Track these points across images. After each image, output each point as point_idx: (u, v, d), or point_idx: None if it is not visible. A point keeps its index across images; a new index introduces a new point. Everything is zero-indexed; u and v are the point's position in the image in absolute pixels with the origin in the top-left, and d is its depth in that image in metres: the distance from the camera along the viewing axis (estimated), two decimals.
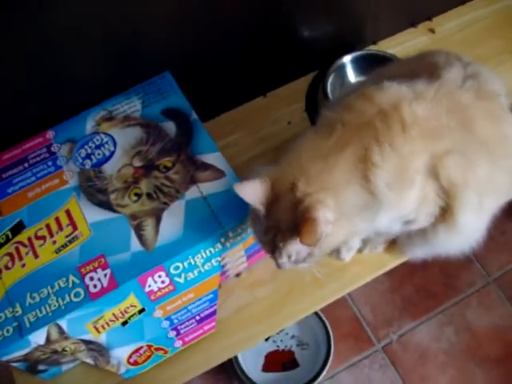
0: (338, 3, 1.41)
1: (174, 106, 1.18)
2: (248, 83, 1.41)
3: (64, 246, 1.04)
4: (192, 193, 1.07)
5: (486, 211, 1.04)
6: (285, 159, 0.93)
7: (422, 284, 1.88)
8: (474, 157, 0.97)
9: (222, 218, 1.04)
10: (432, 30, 1.60)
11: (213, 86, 1.35)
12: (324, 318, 1.71)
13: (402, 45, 1.57)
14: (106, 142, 1.14)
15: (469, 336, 1.81)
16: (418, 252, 1.14)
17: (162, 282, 1.02)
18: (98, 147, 1.14)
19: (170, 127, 1.15)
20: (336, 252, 1.20)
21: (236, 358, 1.64)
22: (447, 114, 0.93)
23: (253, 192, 0.89)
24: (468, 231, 1.03)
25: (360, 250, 1.22)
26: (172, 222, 1.04)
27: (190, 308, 1.08)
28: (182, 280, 1.04)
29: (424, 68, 1.03)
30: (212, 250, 1.04)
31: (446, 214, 0.99)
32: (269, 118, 1.41)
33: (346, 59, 1.44)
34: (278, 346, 1.77)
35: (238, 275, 1.22)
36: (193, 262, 1.04)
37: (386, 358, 1.80)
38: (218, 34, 1.27)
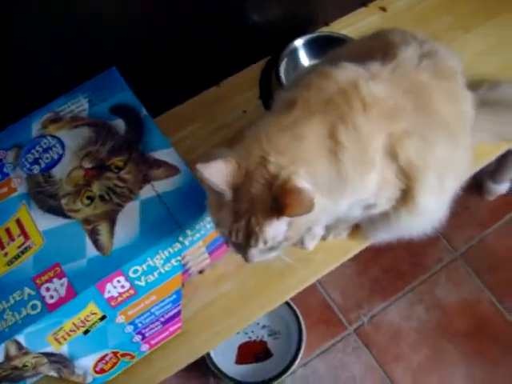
0: None
1: (123, 102, 1.14)
2: (200, 73, 1.38)
3: (16, 257, 0.99)
4: (146, 192, 1.04)
5: (446, 191, 1.03)
6: (248, 139, 0.88)
7: (389, 264, 1.88)
8: (432, 137, 0.96)
9: (178, 217, 1.01)
10: (383, 9, 1.58)
11: (163, 78, 1.32)
12: (294, 306, 1.70)
13: (353, 25, 1.55)
14: (54, 145, 1.09)
15: (439, 313, 1.81)
16: (382, 236, 1.13)
17: (122, 287, 0.99)
18: (45, 151, 1.09)
19: (120, 125, 1.11)
20: (299, 241, 1.18)
21: (208, 353, 1.61)
22: (404, 94, 0.92)
23: (218, 173, 0.82)
24: (430, 212, 1.02)
25: (324, 238, 1.20)
26: (127, 224, 1.01)
27: (153, 311, 1.05)
28: (142, 283, 1.01)
29: (379, 48, 1.01)
30: (171, 249, 1.01)
31: (406, 196, 0.97)
32: (223, 108, 1.38)
33: (298, 43, 1.41)
34: (249, 337, 1.75)
35: (201, 272, 1.19)
36: (152, 264, 1.00)
37: (359, 340, 1.79)
38: (164, 24, 1.23)
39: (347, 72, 0.90)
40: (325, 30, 1.52)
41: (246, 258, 0.89)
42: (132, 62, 1.23)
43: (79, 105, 1.14)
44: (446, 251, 1.92)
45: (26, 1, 1.02)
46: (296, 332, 1.69)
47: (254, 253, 0.88)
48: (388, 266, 1.87)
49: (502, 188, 1.93)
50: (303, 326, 1.68)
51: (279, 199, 0.79)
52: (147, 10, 1.19)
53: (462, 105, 1.04)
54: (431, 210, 1.02)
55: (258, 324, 1.76)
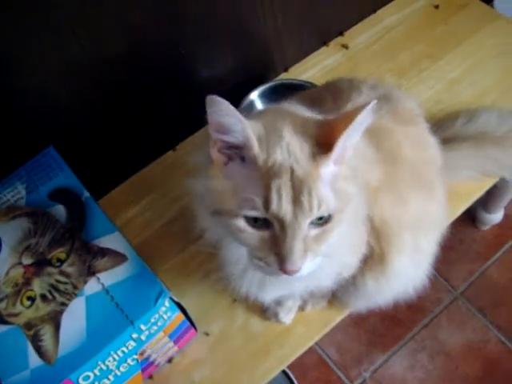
0: (237, 37, 1.29)
1: (62, 185, 1.04)
2: (153, 139, 1.27)
3: None
4: (91, 286, 0.93)
5: (423, 251, 0.93)
6: None
7: (385, 312, 1.73)
8: (405, 190, 0.86)
9: (129, 311, 0.90)
10: (345, 46, 1.49)
11: (112, 149, 1.22)
12: (287, 370, 1.57)
13: (315, 67, 1.46)
14: None
15: (444, 358, 1.69)
16: (358, 304, 1.02)
17: None
18: None
19: (60, 211, 1.00)
20: (274, 315, 1.07)
21: None
22: (369, 140, 0.82)
23: (237, 116, 0.64)
24: (405, 276, 0.92)
25: (302, 309, 1.09)
26: (73, 326, 0.90)
27: None
28: None
29: (329, 94, 0.93)
30: (124, 349, 0.90)
31: (376, 257, 0.87)
32: (181, 173, 1.28)
33: (254, 95, 1.32)
34: None
35: (169, 360, 1.07)
36: (105, 368, 0.89)
37: None
38: (108, 93, 1.14)
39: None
40: (284, 77, 1.43)
41: (293, 248, 0.65)
42: (74, 137, 1.14)
43: (16, 193, 1.04)
44: (445, 291, 1.80)
45: None
46: None
47: (305, 237, 0.67)
48: (385, 314, 1.73)
49: (496, 217, 1.82)
50: None
51: (323, 132, 0.67)
52: (91, 79, 1.10)
53: (430, 150, 0.96)
54: (407, 272, 0.92)
55: None
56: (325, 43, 1.50)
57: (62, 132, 1.12)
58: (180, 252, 1.18)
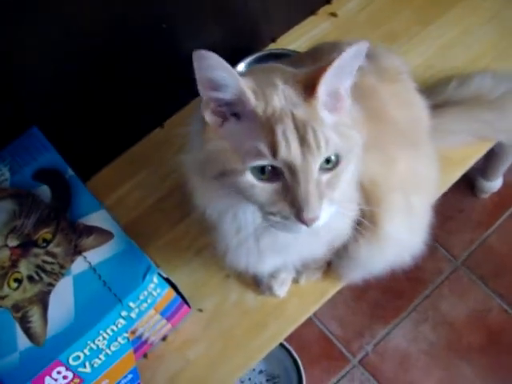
0: (222, 10, 1.26)
1: (47, 166, 1.01)
2: (140, 116, 1.25)
3: None
4: (78, 265, 0.91)
5: (417, 212, 0.91)
6: None
7: (385, 284, 1.71)
8: (392, 149, 0.83)
9: (117, 289, 0.88)
10: (334, 14, 1.45)
11: (97, 129, 1.19)
12: (288, 346, 1.55)
13: (304, 36, 1.42)
14: None
15: (447, 329, 1.67)
16: (353, 274, 1.00)
17: (65, 378, 0.87)
18: None
19: (45, 192, 0.99)
20: (268, 288, 1.05)
21: None
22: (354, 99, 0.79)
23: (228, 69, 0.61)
24: (400, 240, 0.90)
25: (297, 281, 1.07)
26: (61, 306, 0.88)
27: None
28: (88, 369, 0.89)
29: (309, 57, 0.91)
30: (114, 327, 0.88)
31: (367, 222, 0.84)
32: (170, 150, 1.25)
33: (240, 67, 1.28)
34: None
35: (164, 339, 1.06)
36: (95, 347, 0.88)
37: (366, 372, 1.65)
38: (90, 70, 1.11)
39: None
40: (272, 48, 1.39)
41: (308, 193, 0.62)
42: (59, 116, 1.12)
43: (0, 174, 1.01)
44: (446, 261, 1.77)
45: None
46: (295, 373, 1.55)
47: (318, 177, 0.64)
48: (385, 287, 1.73)
49: (495, 184, 1.79)
50: (301, 367, 1.54)
51: (309, 77, 0.65)
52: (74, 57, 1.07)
53: (416, 110, 0.94)
54: (401, 237, 0.90)
55: (254, 370, 1.62)
56: (312, 12, 1.46)
57: (47, 112, 1.09)
58: (172, 229, 1.16)
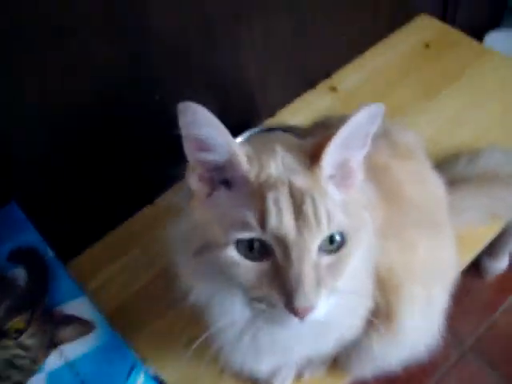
0: (215, 80, 1.20)
1: (24, 245, 0.92)
2: (129, 192, 1.16)
3: None
4: (54, 360, 0.80)
5: (435, 303, 0.82)
6: None
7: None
8: (411, 234, 0.76)
9: None
10: (334, 89, 1.40)
11: (82, 204, 1.11)
12: None
13: (302, 110, 1.37)
14: None
15: None
16: (362, 369, 0.90)
17: None
18: None
19: (20, 274, 0.89)
20: None
21: None
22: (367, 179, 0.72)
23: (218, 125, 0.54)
24: (414, 335, 0.81)
25: (299, 377, 0.96)
26: None
27: None
28: None
29: (320, 129, 0.87)
30: None
31: (382, 314, 0.75)
32: (160, 228, 1.16)
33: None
34: None
35: None
36: None
37: None
38: (78, 142, 1.04)
39: None
40: (270, 123, 1.33)
41: (301, 275, 0.52)
42: (41, 190, 1.03)
43: None
44: (453, 346, 1.66)
45: None
46: None
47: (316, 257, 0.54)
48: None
49: (501, 265, 1.71)
50: None
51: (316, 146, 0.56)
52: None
53: (433, 188, 0.87)
54: (419, 330, 0.81)
55: None
56: (312, 86, 1.42)
57: (27, 186, 1.01)
58: (160, 316, 1.05)
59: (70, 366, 0.79)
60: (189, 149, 0.56)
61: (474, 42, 1.50)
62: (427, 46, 1.49)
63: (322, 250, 0.55)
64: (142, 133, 1.11)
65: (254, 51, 1.20)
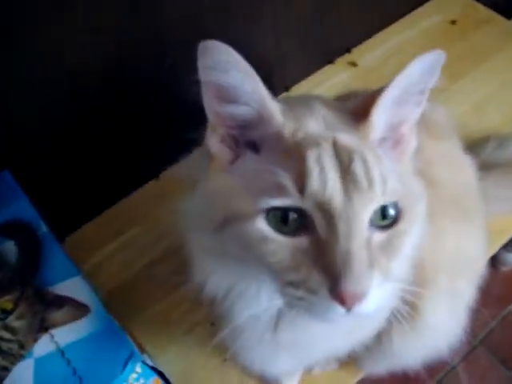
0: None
1: (15, 218, 0.85)
2: (133, 165, 1.09)
3: None
4: (43, 346, 0.73)
5: (461, 296, 0.77)
6: None
7: None
8: (440, 220, 0.68)
9: (89, 379, 0.70)
10: (353, 64, 1.32)
11: (81, 177, 1.04)
12: None
13: (319, 86, 1.30)
14: None
15: None
16: (378, 365, 0.83)
17: None
18: None
19: (10, 249, 0.81)
20: (275, 380, 0.88)
21: None
22: None
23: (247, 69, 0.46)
24: (437, 330, 0.75)
25: (310, 370, 0.90)
26: None
27: None
28: None
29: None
30: None
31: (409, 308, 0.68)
32: (166, 206, 1.09)
33: None
34: None
35: None
36: None
37: None
38: (79, 112, 0.97)
39: None
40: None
41: (351, 253, 0.43)
42: (37, 160, 0.96)
43: None
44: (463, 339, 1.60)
45: None
46: None
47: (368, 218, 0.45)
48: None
49: None
50: None
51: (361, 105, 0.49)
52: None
53: (465, 172, 0.80)
54: (442, 326, 0.75)
55: None
56: (330, 61, 1.34)
57: (23, 155, 0.94)
58: (161, 300, 0.99)
59: (61, 352, 0.72)
60: (209, 100, 0.47)
61: (505, 20, 1.42)
62: (453, 22, 1.41)
63: (373, 224, 0.46)
64: (150, 101, 1.04)
65: (273, 23, 1.13)
